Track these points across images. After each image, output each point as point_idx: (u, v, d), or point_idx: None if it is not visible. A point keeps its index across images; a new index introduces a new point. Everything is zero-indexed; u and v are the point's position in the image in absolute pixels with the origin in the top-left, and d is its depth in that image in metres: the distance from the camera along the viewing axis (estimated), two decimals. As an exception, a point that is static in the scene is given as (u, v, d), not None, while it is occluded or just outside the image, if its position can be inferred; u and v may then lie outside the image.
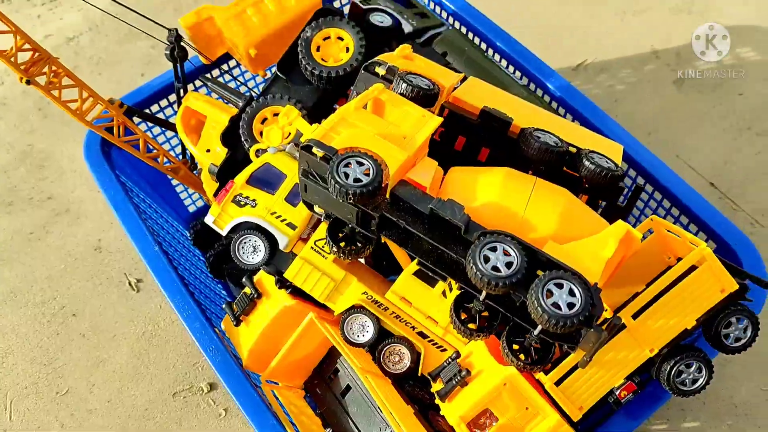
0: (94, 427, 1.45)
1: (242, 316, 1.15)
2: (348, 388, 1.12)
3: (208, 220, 1.12)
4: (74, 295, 1.66)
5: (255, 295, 1.14)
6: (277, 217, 1.10)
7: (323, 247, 1.09)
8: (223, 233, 1.12)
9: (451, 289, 1.05)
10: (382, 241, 1.06)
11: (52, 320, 1.62)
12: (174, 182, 1.62)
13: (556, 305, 0.81)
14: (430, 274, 1.01)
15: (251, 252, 1.11)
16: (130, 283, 1.67)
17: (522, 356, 0.93)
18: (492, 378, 0.92)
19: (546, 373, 0.93)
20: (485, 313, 0.96)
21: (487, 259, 0.84)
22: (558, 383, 0.93)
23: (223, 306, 1.17)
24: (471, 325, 0.95)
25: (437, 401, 0.98)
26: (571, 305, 0.81)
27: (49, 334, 1.60)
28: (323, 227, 1.10)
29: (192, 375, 1.51)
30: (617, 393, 0.94)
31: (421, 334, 1.07)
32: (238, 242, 1.11)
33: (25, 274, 1.71)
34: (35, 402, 1.50)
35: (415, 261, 1.05)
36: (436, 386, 0.98)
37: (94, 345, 1.57)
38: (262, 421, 1.05)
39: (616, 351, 0.92)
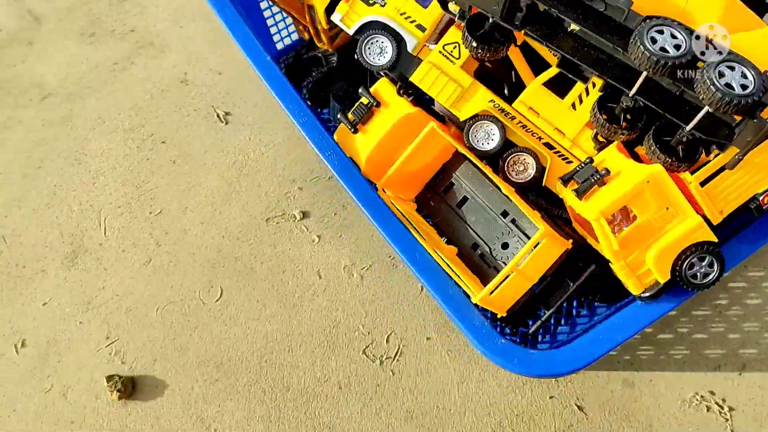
0: (189, 245, 1.48)
1: (359, 124, 1.14)
2: (464, 199, 1.12)
3: (335, 18, 1.10)
4: (162, 124, 1.66)
5: (373, 104, 1.12)
6: (407, 18, 1.07)
7: (452, 51, 1.07)
8: (351, 32, 1.09)
9: (581, 101, 1.03)
10: (518, 44, 1.04)
11: (141, 146, 1.63)
12: (266, 15, 1.58)
13: (728, 85, 0.78)
14: (570, 76, 0.99)
15: (378, 53, 1.09)
16: (218, 116, 1.66)
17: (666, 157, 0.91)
18: (635, 175, 0.91)
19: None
20: (628, 116, 0.95)
21: (653, 41, 0.81)
22: (702, 185, 0.92)
23: (338, 116, 1.15)
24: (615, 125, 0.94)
25: (569, 203, 0.97)
26: (743, 86, 0.78)
27: (139, 159, 1.61)
28: (453, 32, 1.07)
29: (284, 203, 1.52)
30: (761, 199, 0.93)
31: (548, 146, 1.05)
32: (365, 42, 1.08)
33: (111, 103, 1.71)
34: (129, 220, 1.52)
35: (548, 71, 1.03)
36: (569, 189, 0.98)
37: (185, 171, 1.58)
38: (385, 221, 1.06)
39: (766, 155, 0.90)
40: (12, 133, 1.68)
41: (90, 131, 1.66)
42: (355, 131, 1.14)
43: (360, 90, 1.15)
